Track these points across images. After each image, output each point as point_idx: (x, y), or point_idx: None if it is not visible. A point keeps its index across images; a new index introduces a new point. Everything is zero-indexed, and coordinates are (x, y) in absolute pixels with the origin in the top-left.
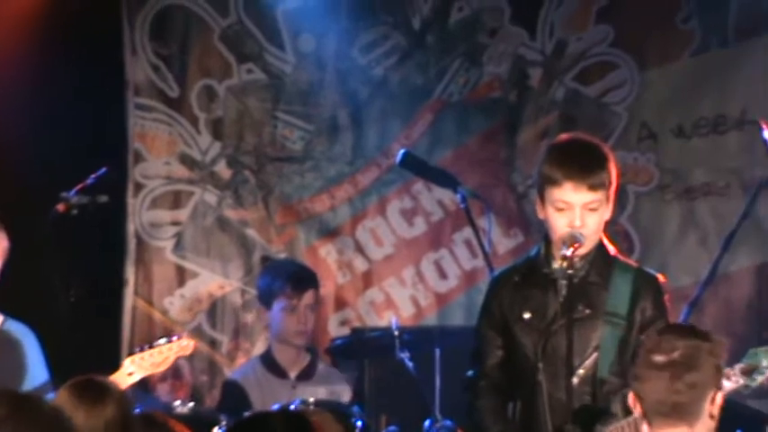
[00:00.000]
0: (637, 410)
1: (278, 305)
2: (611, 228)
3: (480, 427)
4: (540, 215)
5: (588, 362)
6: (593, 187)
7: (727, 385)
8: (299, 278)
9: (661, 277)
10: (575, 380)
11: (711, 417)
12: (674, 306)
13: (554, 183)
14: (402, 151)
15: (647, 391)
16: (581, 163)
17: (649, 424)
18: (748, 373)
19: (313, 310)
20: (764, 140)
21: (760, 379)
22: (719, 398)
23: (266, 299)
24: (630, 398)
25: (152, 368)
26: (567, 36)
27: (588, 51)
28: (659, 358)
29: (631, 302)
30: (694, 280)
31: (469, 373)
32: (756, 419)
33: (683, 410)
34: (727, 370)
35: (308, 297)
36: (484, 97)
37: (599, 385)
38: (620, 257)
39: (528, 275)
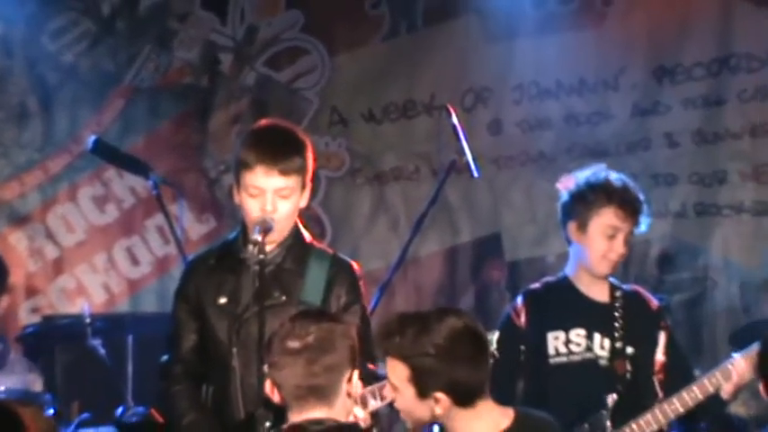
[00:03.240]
0: (276, 398)
1: None
2: (302, 212)
3: (174, 414)
4: (236, 200)
5: None
6: (284, 172)
7: None
8: None
9: (356, 264)
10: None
11: (349, 395)
12: (366, 290)
13: (247, 167)
14: (93, 138)
15: (286, 378)
16: (273, 148)
17: (289, 409)
18: None
19: None
20: (453, 125)
21: None
22: (356, 377)
23: None
24: (268, 386)
25: None
26: (258, 21)
27: (279, 37)
28: (294, 344)
29: (326, 290)
30: (385, 263)
31: (164, 358)
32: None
33: (320, 393)
34: None
35: None
36: (175, 83)
37: None
38: (316, 244)
39: (224, 260)
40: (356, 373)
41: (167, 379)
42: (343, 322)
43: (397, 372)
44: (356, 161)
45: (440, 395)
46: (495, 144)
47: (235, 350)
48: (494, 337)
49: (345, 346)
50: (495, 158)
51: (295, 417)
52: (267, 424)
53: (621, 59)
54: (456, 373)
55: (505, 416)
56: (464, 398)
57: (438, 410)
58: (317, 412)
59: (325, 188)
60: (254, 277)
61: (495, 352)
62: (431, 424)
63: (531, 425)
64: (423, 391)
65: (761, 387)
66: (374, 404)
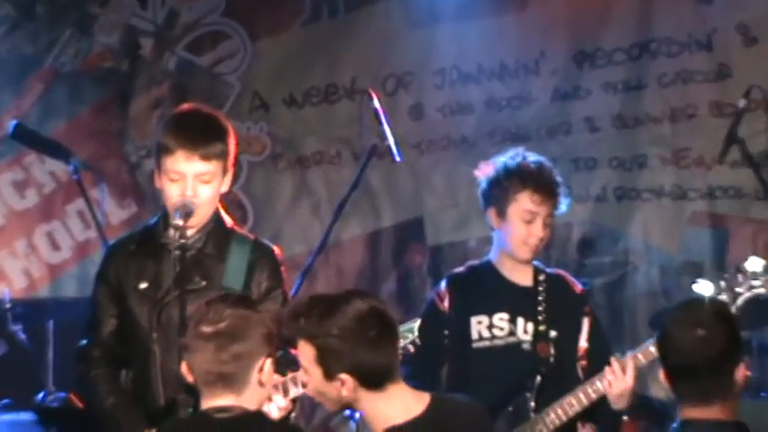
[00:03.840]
0: (190, 379)
1: None
2: (224, 197)
3: (96, 397)
4: (158, 185)
5: None
6: (205, 157)
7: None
8: None
9: (277, 249)
10: None
11: (261, 384)
12: (288, 275)
13: (167, 152)
14: (13, 123)
15: (197, 362)
16: (194, 133)
17: (201, 394)
18: None
19: None
20: (374, 109)
21: None
22: (269, 366)
23: None
24: (184, 367)
25: None
26: (179, 6)
27: (200, 21)
28: (206, 329)
29: (247, 275)
30: (307, 248)
31: (83, 342)
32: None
33: (228, 380)
34: None
35: None
36: (96, 67)
37: None
38: (238, 229)
39: (145, 244)
40: (269, 362)
41: (86, 362)
42: (260, 310)
43: (305, 353)
44: (278, 146)
45: (344, 376)
46: (416, 129)
47: (155, 335)
48: (415, 325)
49: (258, 335)
50: (417, 143)
51: (206, 402)
52: (189, 409)
53: (542, 44)
54: (360, 355)
55: (420, 401)
56: (370, 380)
57: (344, 392)
58: (224, 399)
59: (247, 173)
60: (175, 262)
61: (417, 339)
62: (351, 410)
63: (447, 410)
64: (329, 373)
65: (661, 374)
66: (295, 391)
